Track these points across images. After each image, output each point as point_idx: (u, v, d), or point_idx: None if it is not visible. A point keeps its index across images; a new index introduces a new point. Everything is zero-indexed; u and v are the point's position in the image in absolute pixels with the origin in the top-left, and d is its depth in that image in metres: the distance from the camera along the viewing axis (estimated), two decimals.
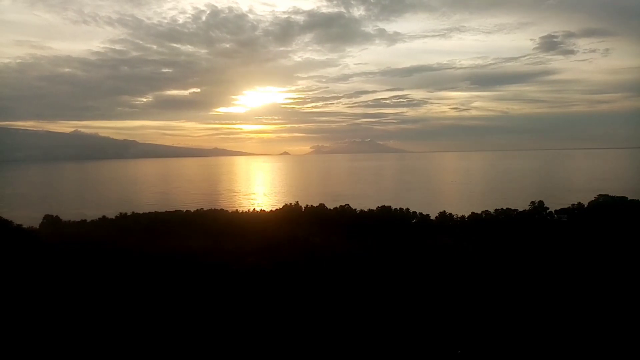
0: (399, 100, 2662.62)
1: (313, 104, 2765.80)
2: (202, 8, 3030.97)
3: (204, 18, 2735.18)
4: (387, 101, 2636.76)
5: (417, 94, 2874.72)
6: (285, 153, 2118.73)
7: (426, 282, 50.92)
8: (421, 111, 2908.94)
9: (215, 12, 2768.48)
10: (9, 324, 30.64)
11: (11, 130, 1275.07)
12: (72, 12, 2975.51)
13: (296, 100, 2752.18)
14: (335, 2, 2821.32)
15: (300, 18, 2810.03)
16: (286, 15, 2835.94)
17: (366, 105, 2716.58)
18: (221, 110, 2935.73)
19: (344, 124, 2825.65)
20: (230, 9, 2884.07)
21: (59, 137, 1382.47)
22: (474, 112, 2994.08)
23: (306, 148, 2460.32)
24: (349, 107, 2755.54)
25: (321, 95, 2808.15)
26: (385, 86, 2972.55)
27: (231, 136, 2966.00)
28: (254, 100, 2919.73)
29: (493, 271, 57.57)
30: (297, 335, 32.30)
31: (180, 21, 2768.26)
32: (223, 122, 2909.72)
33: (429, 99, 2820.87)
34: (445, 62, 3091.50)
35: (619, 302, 40.20)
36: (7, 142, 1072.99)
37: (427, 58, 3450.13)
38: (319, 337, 31.90)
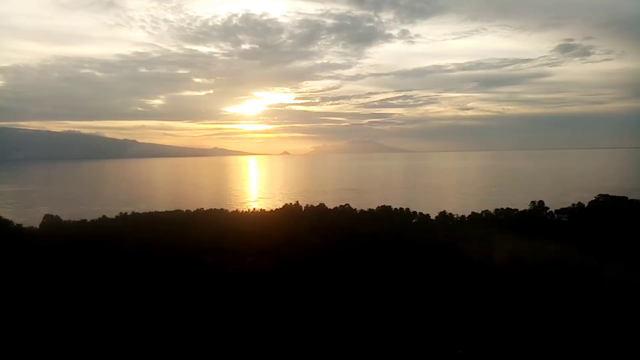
0: (405, 100, 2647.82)
1: (321, 105, 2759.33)
2: (236, 12, 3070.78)
3: (234, 21, 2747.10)
4: (393, 102, 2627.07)
5: (424, 95, 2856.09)
6: (286, 153, 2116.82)
7: (426, 282, 50.91)
8: (423, 111, 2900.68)
9: (247, 16, 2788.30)
10: (7, 323, 30.65)
11: (11, 130, 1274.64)
12: (111, 16, 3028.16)
13: (305, 101, 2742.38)
14: (366, 5, 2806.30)
15: (329, 21, 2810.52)
16: (316, 18, 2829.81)
17: (370, 105, 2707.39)
18: (229, 110, 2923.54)
19: (345, 124, 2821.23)
20: (264, 13, 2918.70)
21: (60, 136, 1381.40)
22: (472, 113, 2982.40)
23: (307, 148, 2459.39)
24: (354, 107, 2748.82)
25: (331, 96, 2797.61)
26: (394, 87, 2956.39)
27: (232, 136, 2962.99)
28: (262, 100, 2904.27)
29: (493, 271, 57.56)
30: (298, 335, 32.30)
31: (210, 24, 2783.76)
32: (225, 121, 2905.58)
33: (435, 99, 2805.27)
34: (461, 63, 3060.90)
35: (620, 302, 40.18)
36: (7, 142, 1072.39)
37: (443, 59, 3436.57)
38: (319, 337, 31.90)
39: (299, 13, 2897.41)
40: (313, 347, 30.73)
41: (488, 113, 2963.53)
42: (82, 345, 29.02)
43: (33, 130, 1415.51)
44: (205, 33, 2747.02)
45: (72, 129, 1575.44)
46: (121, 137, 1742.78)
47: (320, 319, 35.39)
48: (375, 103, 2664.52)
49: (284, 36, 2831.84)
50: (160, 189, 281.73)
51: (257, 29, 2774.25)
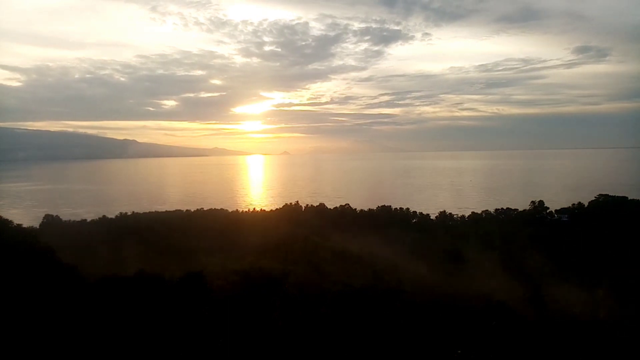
0: (412, 101, 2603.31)
1: (327, 105, 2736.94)
2: (266, 16, 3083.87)
3: (264, 25, 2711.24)
4: (399, 102, 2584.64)
5: (429, 96, 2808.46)
6: (286, 152, 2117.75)
7: (426, 281, 51.02)
8: (426, 112, 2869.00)
9: (277, 21, 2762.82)
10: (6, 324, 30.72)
11: (10, 130, 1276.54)
12: (147, 20, 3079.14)
13: (311, 102, 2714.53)
14: (396, 9, 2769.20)
15: (356, 24, 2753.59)
16: (346, 21, 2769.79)
17: (375, 106, 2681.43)
18: (236, 110, 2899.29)
19: (347, 124, 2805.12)
20: (298, 17, 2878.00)
21: (60, 136, 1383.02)
22: (471, 113, 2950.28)
23: (307, 147, 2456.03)
24: (360, 107, 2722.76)
25: (342, 97, 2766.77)
26: (404, 89, 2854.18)
27: (233, 136, 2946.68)
28: (271, 101, 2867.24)
29: (494, 269, 57.70)
30: (298, 335, 32.37)
31: (240, 27, 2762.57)
32: (228, 122, 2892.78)
33: (439, 100, 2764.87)
34: (477, 65, 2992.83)
35: (619, 301, 40.25)
36: (7, 143, 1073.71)
37: (459, 61, 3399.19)
38: (319, 337, 31.96)
39: (326, 16, 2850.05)
40: (313, 347, 30.78)
41: (484, 113, 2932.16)
42: (81, 347, 29.09)
43: (33, 130, 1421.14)
44: (232, 36, 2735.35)
45: (71, 129, 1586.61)
46: (121, 137, 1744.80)
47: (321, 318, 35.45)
48: (382, 104, 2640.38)
49: (309, 39, 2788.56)
50: (159, 189, 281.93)
51: (284, 31, 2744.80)
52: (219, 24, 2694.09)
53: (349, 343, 31.24)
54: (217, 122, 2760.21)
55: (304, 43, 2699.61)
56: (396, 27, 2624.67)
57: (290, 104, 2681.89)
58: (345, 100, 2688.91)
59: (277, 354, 29.98)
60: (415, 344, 31.15)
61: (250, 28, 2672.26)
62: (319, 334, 32.63)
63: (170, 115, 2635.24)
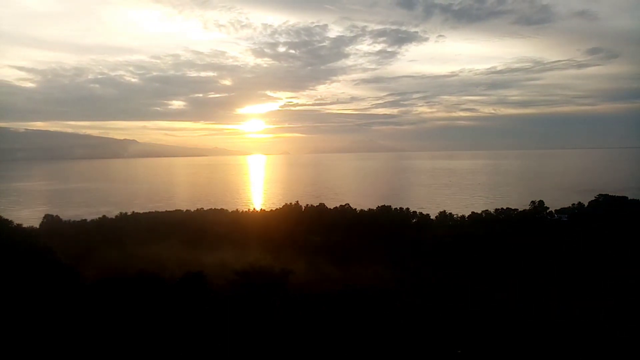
0: (414, 101, 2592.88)
1: (329, 105, 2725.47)
2: (286, 19, 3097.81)
3: (283, 28, 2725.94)
4: (401, 102, 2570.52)
5: (431, 97, 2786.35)
6: (286, 152, 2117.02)
7: (427, 281, 51.03)
8: (422, 113, 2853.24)
9: (297, 23, 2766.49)
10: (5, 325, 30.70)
11: (10, 130, 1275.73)
12: (168, 23, 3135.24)
13: (315, 102, 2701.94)
14: (415, 13, 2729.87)
15: (372, 25, 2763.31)
16: (363, 24, 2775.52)
17: (377, 106, 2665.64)
18: (240, 111, 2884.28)
19: (348, 124, 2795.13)
20: (318, 20, 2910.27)
21: (60, 136, 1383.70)
22: (469, 114, 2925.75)
23: (307, 147, 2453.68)
24: (362, 108, 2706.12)
25: (347, 98, 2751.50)
26: (407, 90, 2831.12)
27: (234, 136, 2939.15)
28: (277, 102, 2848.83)
29: (494, 269, 57.69)
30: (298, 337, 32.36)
31: (259, 30, 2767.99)
32: (229, 122, 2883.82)
33: (440, 101, 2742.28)
34: (487, 67, 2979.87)
35: (619, 301, 40.24)
36: (6, 142, 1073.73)
37: (467, 63, 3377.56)
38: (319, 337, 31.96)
39: (344, 18, 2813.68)
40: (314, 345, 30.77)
41: (481, 114, 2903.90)
42: (81, 347, 29.09)
43: (33, 130, 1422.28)
44: (249, 38, 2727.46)
45: (71, 130, 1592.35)
46: (120, 137, 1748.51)
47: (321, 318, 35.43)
48: (387, 104, 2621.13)
49: (325, 41, 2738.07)
50: (160, 189, 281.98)
51: (301, 33, 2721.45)
52: (239, 26, 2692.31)
53: (349, 343, 31.22)
54: (218, 122, 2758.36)
55: (319, 45, 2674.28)
56: (414, 30, 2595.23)
57: (296, 104, 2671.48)
58: (351, 100, 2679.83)
59: (278, 354, 29.97)
60: (415, 344, 31.13)
61: (269, 30, 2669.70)
62: (319, 334, 32.61)
63: (176, 115, 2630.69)
